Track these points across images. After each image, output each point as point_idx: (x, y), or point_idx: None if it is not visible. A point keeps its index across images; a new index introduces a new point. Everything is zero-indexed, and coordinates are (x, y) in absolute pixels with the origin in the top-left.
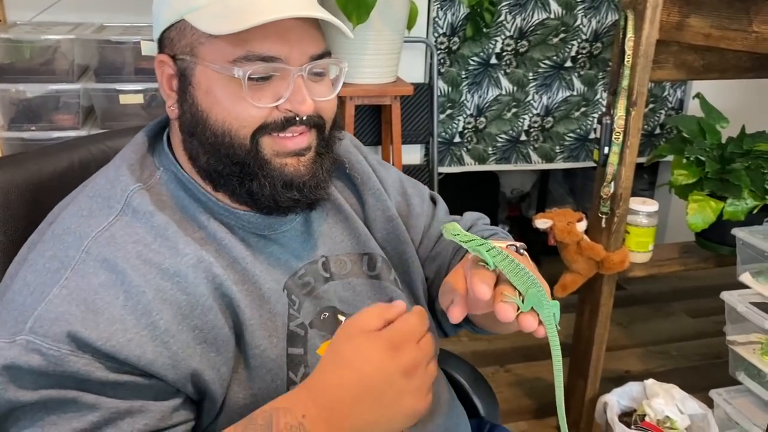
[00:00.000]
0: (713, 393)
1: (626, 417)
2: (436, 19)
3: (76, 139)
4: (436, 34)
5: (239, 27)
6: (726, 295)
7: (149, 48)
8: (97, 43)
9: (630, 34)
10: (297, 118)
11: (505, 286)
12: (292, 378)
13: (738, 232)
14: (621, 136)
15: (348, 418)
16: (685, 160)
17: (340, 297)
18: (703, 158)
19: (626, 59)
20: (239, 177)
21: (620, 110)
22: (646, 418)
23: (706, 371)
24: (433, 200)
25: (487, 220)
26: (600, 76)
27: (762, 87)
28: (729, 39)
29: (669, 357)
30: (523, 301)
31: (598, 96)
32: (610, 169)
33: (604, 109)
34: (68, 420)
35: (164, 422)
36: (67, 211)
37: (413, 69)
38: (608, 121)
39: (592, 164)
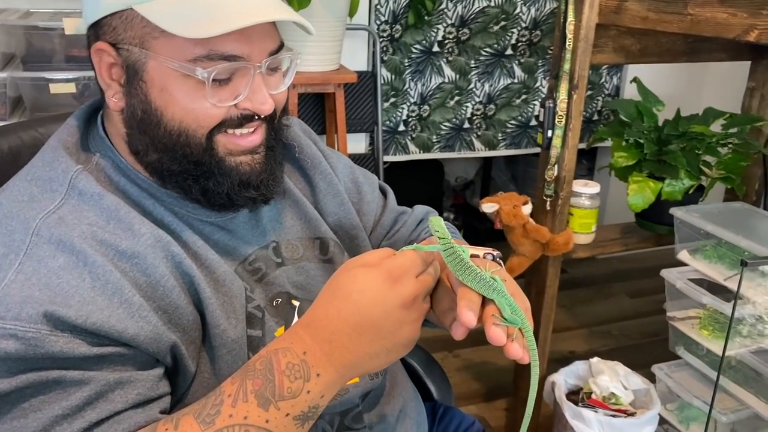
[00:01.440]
0: (655, 368)
1: (573, 395)
2: (378, 7)
3: (6, 126)
4: (378, 22)
5: (210, 32)
6: (665, 273)
7: (75, 26)
8: (24, 30)
9: (570, 18)
10: (255, 117)
11: (492, 308)
12: None
13: (676, 212)
14: (564, 120)
15: (348, 351)
16: (624, 143)
17: (293, 282)
18: (641, 140)
19: (567, 43)
20: (194, 176)
21: (562, 94)
22: (593, 396)
23: (647, 348)
24: (383, 191)
25: (436, 213)
26: (540, 64)
27: (693, 71)
28: (665, 22)
29: (611, 336)
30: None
31: (538, 83)
32: (554, 152)
33: (544, 96)
34: (54, 401)
35: (154, 391)
36: (3, 196)
37: (356, 57)
38: (551, 105)
39: (533, 151)
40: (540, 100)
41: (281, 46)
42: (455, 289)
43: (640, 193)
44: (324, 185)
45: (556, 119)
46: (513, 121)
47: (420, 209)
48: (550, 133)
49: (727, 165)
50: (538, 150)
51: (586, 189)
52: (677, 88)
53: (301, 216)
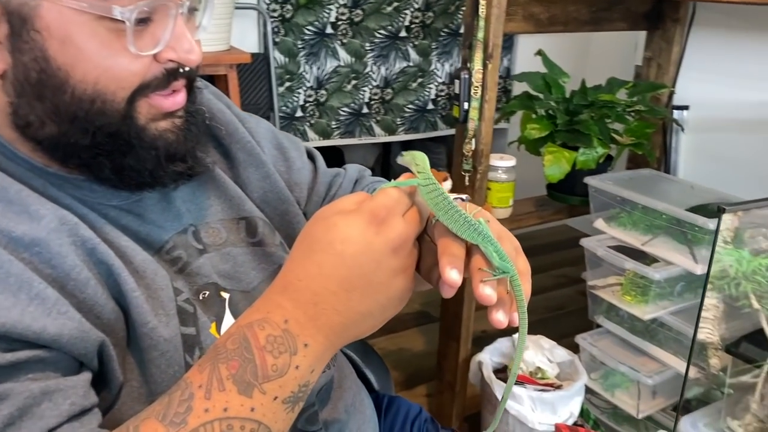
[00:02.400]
0: (578, 338)
1: (500, 373)
2: None
3: None
4: (267, 1)
5: None
6: (585, 242)
7: None
8: None
9: None
10: (180, 70)
11: (478, 259)
12: (189, 362)
13: (590, 181)
14: (479, 91)
15: (337, 312)
16: (534, 115)
17: (220, 271)
18: (552, 112)
19: (480, 10)
20: (107, 151)
21: (477, 63)
22: (520, 372)
23: (553, 322)
24: (310, 155)
25: (369, 172)
26: (434, 47)
27: (576, 45)
28: None
29: None
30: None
31: (432, 66)
32: (471, 125)
33: (440, 79)
34: None
35: (87, 400)
36: None
37: (246, 38)
38: (466, 76)
39: (431, 135)
40: (435, 84)
41: None
42: (435, 241)
43: (556, 163)
44: (243, 155)
45: (472, 90)
46: (411, 106)
47: (353, 168)
48: (466, 105)
49: (634, 132)
50: (435, 134)
51: (502, 162)
52: (566, 61)
53: (219, 194)
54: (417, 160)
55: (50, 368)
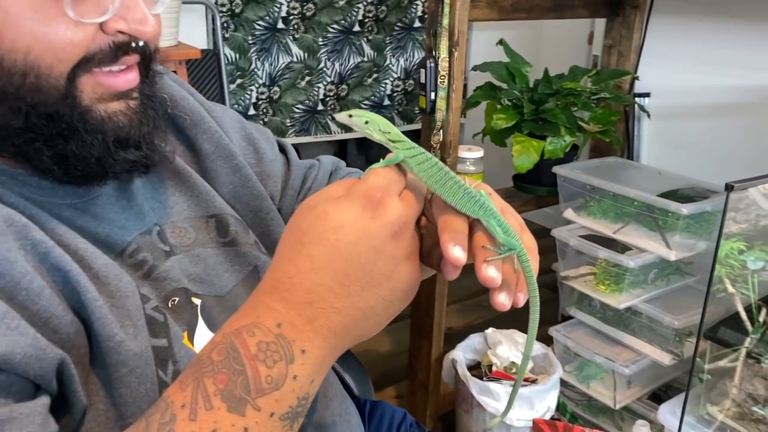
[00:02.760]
0: (552, 331)
1: (473, 371)
2: None
3: None
4: None
5: None
6: (556, 232)
7: None
8: None
9: None
10: (132, 44)
11: (481, 236)
12: (162, 377)
13: (559, 170)
14: (446, 80)
15: (336, 311)
16: (499, 106)
17: (190, 274)
18: (518, 102)
19: None
20: (46, 135)
21: (443, 51)
22: (493, 368)
23: (517, 315)
24: (281, 147)
25: (344, 164)
26: (388, 41)
27: (527, 34)
28: None
29: (483, 308)
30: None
31: (387, 62)
32: (439, 116)
33: (396, 75)
34: None
35: (48, 429)
36: None
37: (194, 34)
38: (432, 65)
39: None
40: (391, 79)
41: None
42: (434, 220)
43: (524, 153)
44: (211, 147)
45: (439, 80)
46: (366, 101)
47: (327, 159)
48: (433, 95)
49: (600, 120)
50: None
51: (470, 154)
52: (519, 51)
53: (185, 189)
54: (385, 127)
55: (1, 393)
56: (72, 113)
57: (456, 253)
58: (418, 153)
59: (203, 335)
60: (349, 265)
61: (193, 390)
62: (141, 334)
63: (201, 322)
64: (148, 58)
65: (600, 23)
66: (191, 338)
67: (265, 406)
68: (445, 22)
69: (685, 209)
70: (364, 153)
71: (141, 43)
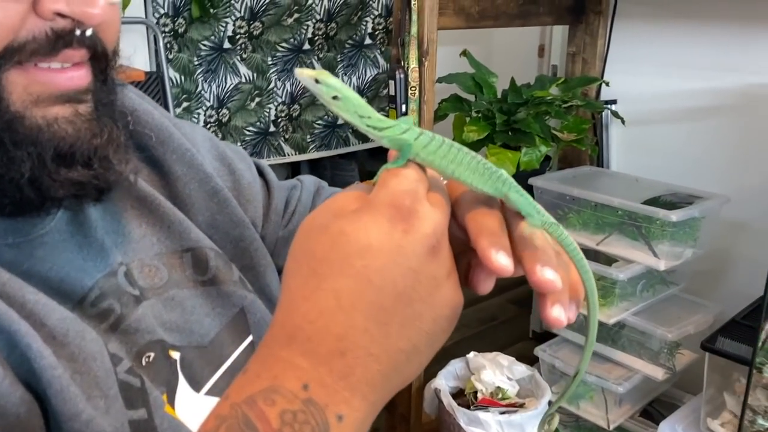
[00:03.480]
0: (538, 351)
1: (457, 399)
2: None
3: None
4: (156, 15)
5: None
6: None
7: None
8: None
9: None
10: (77, 33)
11: (524, 229)
12: None
13: (536, 182)
14: (417, 91)
15: (374, 357)
16: (468, 118)
17: (164, 322)
18: (488, 113)
19: (413, 3)
20: None
21: (412, 61)
22: (479, 395)
23: (490, 334)
24: (258, 168)
25: (326, 184)
26: (339, 59)
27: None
28: None
29: (455, 329)
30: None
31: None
32: None
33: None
34: None
35: None
36: None
37: (136, 56)
38: (401, 76)
39: (344, 151)
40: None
41: None
42: (458, 218)
43: (500, 165)
44: (182, 168)
45: (409, 91)
46: (320, 121)
47: (309, 180)
48: (404, 107)
49: (571, 128)
50: (348, 150)
51: None
52: (497, 59)
53: (154, 220)
54: (356, 106)
55: None
56: None
57: (501, 261)
58: (419, 134)
59: (186, 397)
60: (383, 296)
61: None
62: (114, 407)
63: (182, 379)
64: (101, 57)
65: (557, 35)
66: (171, 401)
67: None
68: (414, 30)
69: (675, 216)
70: (316, 174)
71: (88, 33)
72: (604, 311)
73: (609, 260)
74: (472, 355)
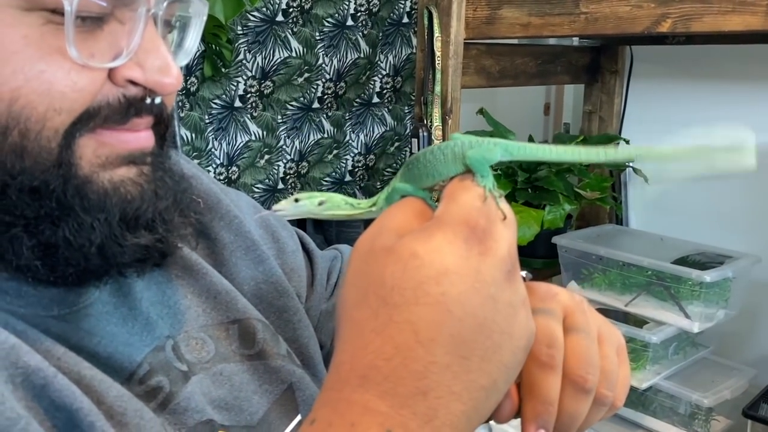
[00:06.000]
0: None
1: None
2: None
3: None
4: None
5: None
6: None
7: None
8: None
9: (437, 33)
10: (148, 100)
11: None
12: None
13: (560, 241)
14: None
15: (457, 396)
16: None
17: (213, 399)
18: (508, 170)
19: (436, 62)
20: (30, 219)
21: (436, 119)
22: None
23: None
24: (300, 238)
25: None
26: (347, 117)
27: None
28: (554, 25)
29: None
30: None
31: (347, 138)
32: None
33: (356, 150)
34: None
35: None
36: None
37: None
38: (425, 134)
39: None
40: (351, 155)
41: None
42: None
43: (524, 224)
44: (230, 236)
45: None
46: (327, 178)
47: (347, 249)
48: None
49: (593, 186)
50: None
51: None
52: (479, 120)
53: (199, 290)
54: (324, 195)
55: None
56: (65, 186)
57: None
58: (394, 187)
59: None
60: (464, 328)
61: None
62: None
63: None
64: (163, 123)
65: (567, 93)
66: None
67: None
68: (437, 89)
69: (708, 277)
70: (321, 232)
71: (157, 101)
72: (635, 375)
73: (638, 321)
74: (493, 422)
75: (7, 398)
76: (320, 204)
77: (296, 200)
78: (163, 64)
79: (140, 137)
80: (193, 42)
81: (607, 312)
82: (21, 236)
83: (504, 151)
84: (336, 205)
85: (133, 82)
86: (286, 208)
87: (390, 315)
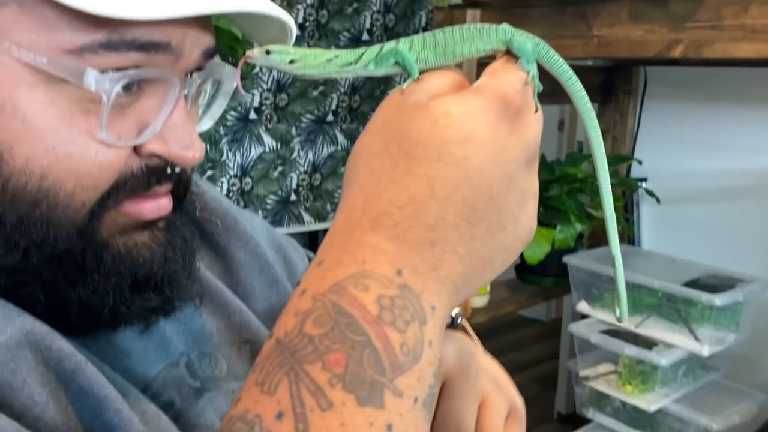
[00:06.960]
0: None
1: None
2: None
3: None
4: None
5: (172, 11)
6: (575, 328)
7: None
8: None
9: None
10: (168, 170)
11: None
12: None
13: (571, 260)
14: None
15: (460, 257)
16: None
17: (224, 416)
18: None
19: None
20: (48, 280)
21: None
22: None
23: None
24: (309, 259)
25: None
26: (361, 130)
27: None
28: (568, 47)
29: None
30: None
31: None
32: None
33: None
34: None
35: None
36: None
37: None
38: None
39: None
40: None
41: (215, 50)
42: None
43: (535, 243)
44: (245, 256)
45: None
46: (340, 190)
47: None
48: None
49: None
50: None
51: None
52: None
53: (214, 309)
54: (297, 52)
55: None
56: (85, 252)
57: None
58: (400, 41)
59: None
60: (477, 195)
61: (290, 388)
62: None
63: None
64: (183, 185)
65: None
66: None
67: (407, 389)
68: None
69: (718, 301)
70: None
71: (178, 169)
72: (644, 397)
73: (648, 343)
74: None
75: (29, 384)
76: (291, 62)
77: (267, 52)
78: (188, 140)
79: (160, 205)
80: (220, 107)
81: (617, 333)
82: (37, 293)
83: (535, 46)
84: (309, 65)
85: (155, 155)
86: (257, 58)
87: (409, 167)
